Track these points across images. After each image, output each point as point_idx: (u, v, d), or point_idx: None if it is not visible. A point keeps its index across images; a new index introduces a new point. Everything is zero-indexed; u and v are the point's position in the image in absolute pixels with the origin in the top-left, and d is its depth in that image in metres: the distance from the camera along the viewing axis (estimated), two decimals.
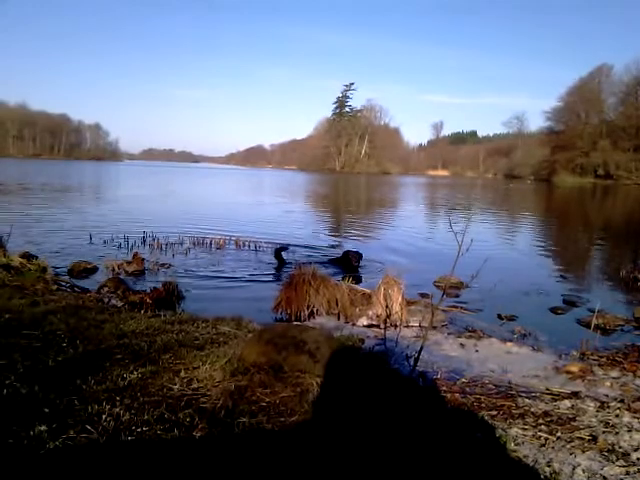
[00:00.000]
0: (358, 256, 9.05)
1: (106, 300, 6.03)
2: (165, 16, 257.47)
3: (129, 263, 8.06)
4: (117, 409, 2.75)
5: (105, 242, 10.54)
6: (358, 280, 7.82)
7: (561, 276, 9.26)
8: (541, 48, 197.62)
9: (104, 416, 2.66)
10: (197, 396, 2.99)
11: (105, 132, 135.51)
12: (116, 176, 53.64)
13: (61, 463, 2.23)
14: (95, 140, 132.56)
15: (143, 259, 8.32)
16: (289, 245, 10.23)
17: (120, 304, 5.88)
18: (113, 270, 7.86)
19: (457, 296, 7.41)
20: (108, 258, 8.44)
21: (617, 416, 3.58)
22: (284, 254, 9.41)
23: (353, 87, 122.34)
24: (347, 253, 9.17)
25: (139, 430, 2.55)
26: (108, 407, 2.76)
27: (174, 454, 2.35)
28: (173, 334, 4.22)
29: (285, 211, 20.72)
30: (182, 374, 3.28)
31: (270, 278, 7.98)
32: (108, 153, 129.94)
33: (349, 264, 8.86)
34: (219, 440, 2.49)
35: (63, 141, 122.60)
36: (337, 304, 6.16)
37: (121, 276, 7.44)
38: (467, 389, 4.00)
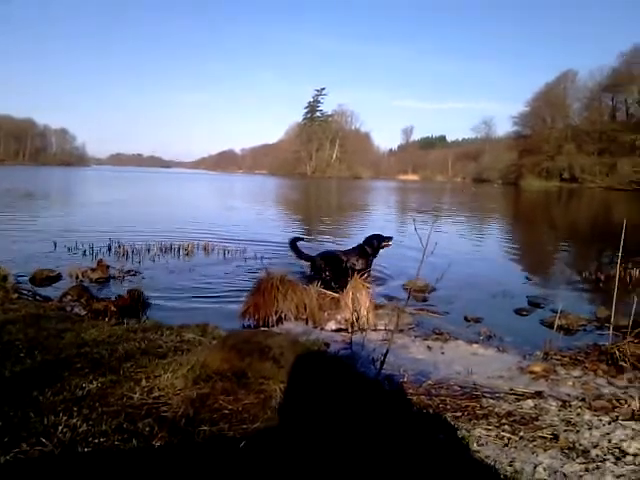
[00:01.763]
0: (377, 242, 8.62)
1: (69, 309, 5.91)
2: (129, 19, 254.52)
3: (93, 270, 7.91)
4: (74, 420, 2.68)
5: (69, 249, 10.32)
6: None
7: (526, 278, 9.40)
8: (509, 54, 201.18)
9: (60, 427, 2.59)
10: (158, 405, 2.94)
11: (72, 137, 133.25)
12: (82, 181, 52.72)
13: (11, 478, 2.16)
14: (61, 145, 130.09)
15: (108, 266, 8.17)
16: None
17: (83, 312, 5.77)
18: (77, 278, 7.70)
19: (425, 299, 7.47)
20: (72, 265, 8.25)
21: (578, 414, 3.65)
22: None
23: (324, 92, 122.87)
24: (372, 238, 8.71)
25: (96, 441, 2.49)
26: (65, 418, 2.69)
27: (131, 465, 2.30)
28: (136, 342, 4.14)
29: (255, 216, 20.64)
30: (143, 383, 3.22)
31: (239, 284, 7.90)
32: (75, 158, 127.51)
33: (371, 250, 8.54)
34: (179, 449, 2.44)
35: (28, 146, 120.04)
36: (305, 309, 6.14)
37: (85, 284, 7.28)
38: (433, 391, 4.02)
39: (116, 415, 2.78)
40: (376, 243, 8.60)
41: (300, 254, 8.79)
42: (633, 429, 3.37)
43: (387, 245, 8.73)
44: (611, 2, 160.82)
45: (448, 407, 3.70)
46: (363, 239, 8.82)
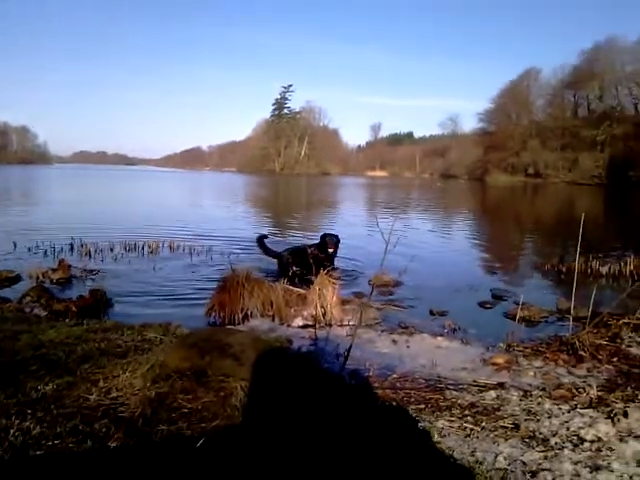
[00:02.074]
0: (335, 240, 8.35)
1: (28, 310, 5.76)
2: (95, 14, 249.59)
3: (54, 271, 7.73)
4: (27, 423, 2.61)
5: (30, 249, 10.06)
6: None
7: (491, 271, 9.55)
8: (475, 51, 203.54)
9: (12, 431, 2.52)
10: (115, 405, 2.88)
11: (33, 135, 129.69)
12: (44, 180, 51.51)
13: None
14: (22, 143, 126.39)
15: (69, 266, 7.99)
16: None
17: (43, 314, 5.63)
18: (37, 278, 7.51)
19: (391, 294, 7.51)
20: (32, 266, 8.04)
21: (539, 404, 3.71)
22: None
23: (291, 89, 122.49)
24: (324, 237, 8.42)
25: (49, 444, 2.43)
26: (17, 421, 2.62)
27: (86, 466, 2.25)
28: (95, 343, 4.05)
29: (223, 214, 20.48)
30: (101, 384, 3.15)
31: (205, 282, 7.81)
32: (37, 156, 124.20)
33: (325, 250, 8.22)
34: (135, 449, 2.40)
35: None
36: (272, 306, 6.10)
37: (46, 284, 7.12)
38: (398, 384, 4.05)
39: (71, 417, 2.72)
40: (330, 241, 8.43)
41: (267, 251, 8.76)
42: (591, 416, 3.44)
43: (332, 246, 8.38)
44: (574, 2, 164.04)
45: (412, 400, 3.72)
46: (320, 237, 8.69)
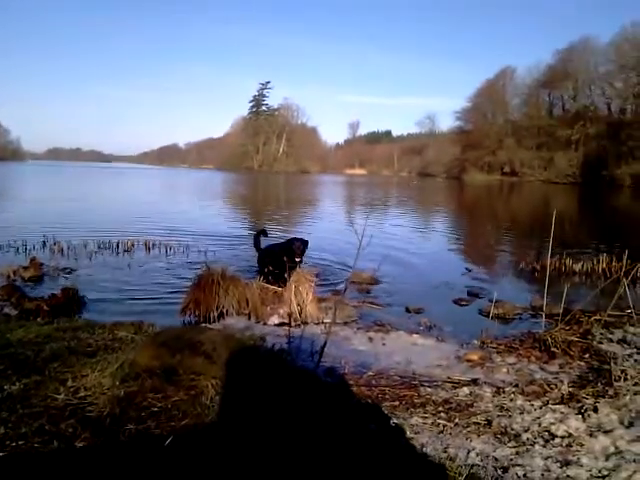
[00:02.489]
0: (303, 246, 7.69)
1: None
2: (70, 10, 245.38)
3: (25, 269, 7.58)
4: None
5: (1, 247, 9.86)
6: None
7: (467, 269, 9.61)
8: (451, 50, 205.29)
9: None
10: (83, 405, 2.83)
11: (5, 130, 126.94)
12: (17, 177, 50.57)
13: None
14: None
15: (41, 264, 7.85)
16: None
17: (14, 313, 5.51)
18: (8, 277, 7.36)
19: (368, 291, 7.51)
20: (3, 264, 7.88)
21: (511, 400, 3.75)
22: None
23: (269, 86, 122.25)
24: (292, 241, 7.79)
25: (14, 444, 2.38)
26: None
27: (50, 467, 2.20)
28: (65, 342, 3.98)
29: (200, 211, 20.32)
30: (69, 383, 3.10)
31: (180, 280, 7.72)
32: (9, 153, 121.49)
33: (291, 255, 7.53)
34: (102, 449, 2.35)
35: None
36: (248, 304, 6.06)
37: (17, 283, 6.98)
38: (373, 382, 4.06)
39: (38, 417, 2.67)
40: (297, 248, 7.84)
41: (257, 246, 8.53)
42: (562, 412, 3.49)
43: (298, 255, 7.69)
44: (551, 3, 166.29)
45: (387, 397, 3.73)
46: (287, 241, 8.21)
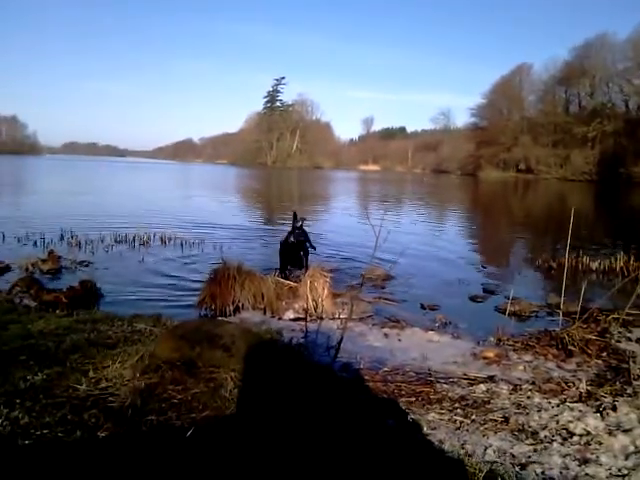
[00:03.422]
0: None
1: (17, 300, 5.71)
2: (86, 7, 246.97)
3: (44, 261, 7.67)
4: (16, 413, 2.60)
5: (19, 240, 9.98)
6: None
7: (482, 266, 9.57)
8: (466, 46, 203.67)
9: (0, 420, 2.51)
10: (105, 396, 2.86)
11: (23, 125, 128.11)
12: (34, 171, 51.05)
13: None
14: (12, 133, 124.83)
15: (59, 257, 7.94)
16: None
17: (33, 304, 5.59)
18: (27, 269, 7.45)
19: (383, 287, 7.51)
20: (22, 256, 7.98)
21: (528, 397, 3.74)
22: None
23: (284, 81, 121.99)
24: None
25: (38, 433, 2.42)
26: (6, 411, 2.61)
27: (74, 456, 2.23)
28: (85, 333, 4.03)
29: (215, 206, 20.40)
30: (90, 374, 3.13)
31: (196, 274, 7.77)
32: (26, 147, 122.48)
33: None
34: (124, 439, 2.39)
35: None
36: (263, 298, 6.09)
37: (35, 275, 7.07)
38: (389, 377, 4.06)
39: (60, 407, 2.70)
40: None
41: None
42: (580, 410, 3.47)
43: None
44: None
45: (403, 393, 3.74)
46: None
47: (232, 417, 2.70)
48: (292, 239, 7.58)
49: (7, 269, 7.51)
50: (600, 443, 3.03)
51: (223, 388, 2.99)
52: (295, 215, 7.88)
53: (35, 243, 9.80)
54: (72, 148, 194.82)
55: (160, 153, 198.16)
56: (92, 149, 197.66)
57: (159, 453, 2.29)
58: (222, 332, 3.43)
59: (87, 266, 8.01)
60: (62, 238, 10.27)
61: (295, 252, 7.55)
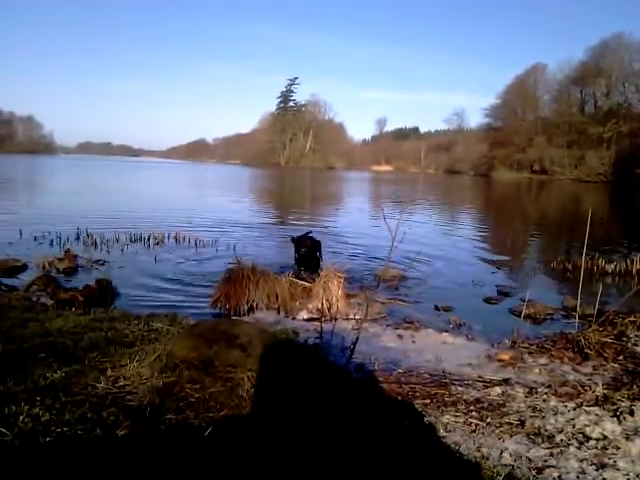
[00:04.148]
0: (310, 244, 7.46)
1: (34, 298, 5.77)
2: (102, 6, 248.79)
3: (60, 260, 7.74)
4: (36, 410, 2.63)
5: (36, 238, 10.09)
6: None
7: (496, 267, 9.52)
8: (479, 47, 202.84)
9: (22, 417, 2.54)
10: (123, 394, 2.89)
11: (39, 124, 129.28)
12: (49, 170, 51.53)
13: None
14: (28, 133, 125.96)
15: (76, 255, 8.02)
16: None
17: (50, 302, 5.64)
18: (44, 268, 7.54)
19: (397, 288, 7.49)
20: (38, 255, 8.07)
21: (544, 401, 3.71)
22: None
23: (297, 82, 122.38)
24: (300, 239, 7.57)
25: (58, 430, 2.45)
26: (27, 408, 2.64)
27: (94, 453, 2.26)
28: (102, 332, 4.07)
29: (229, 206, 20.47)
30: (108, 372, 3.17)
31: (210, 273, 7.80)
32: (42, 146, 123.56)
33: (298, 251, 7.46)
34: (143, 438, 2.41)
35: None
36: (277, 298, 6.11)
37: (52, 273, 7.14)
38: (403, 379, 4.05)
39: (80, 404, 2.74)
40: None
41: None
42: (596, 414, 3.45)
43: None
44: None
45: (417, 394, 3.73)
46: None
47: (249, 417, 2.71)
48: (303, 250, 7.57)
49: (24, 267, 7.61)
50: (617, 448, 3.01)
51: (240, 388, 3.01)
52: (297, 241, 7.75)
53: (51, 242, 9.90)
54: (86, 148, 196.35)
55: (173, 153, 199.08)
56: (106, 149, 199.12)
57: (178, 452, 2.31)
58: (239, 332, 3.45)
59: (103, 265, 8.08)
60: (78, 237, 10.37)
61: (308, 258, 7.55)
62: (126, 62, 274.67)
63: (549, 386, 4.01)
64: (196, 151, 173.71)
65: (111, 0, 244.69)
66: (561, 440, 3.12)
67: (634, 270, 8.88)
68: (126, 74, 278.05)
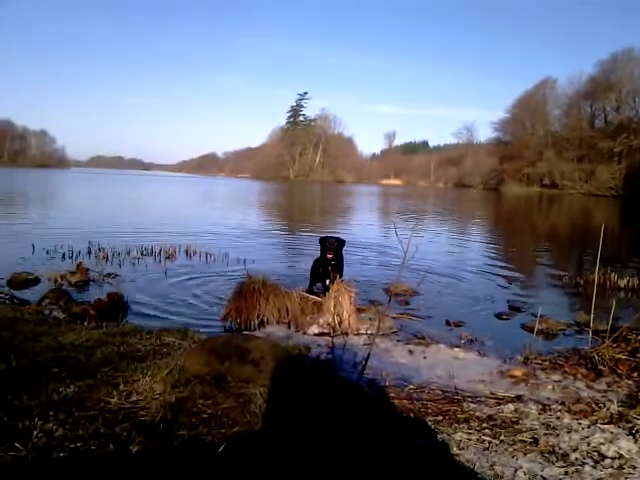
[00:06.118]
0: (337, 243, 7.17)
1: (47, 312, 5.80)
2: (113, 21, 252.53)
3: (72, 274, 7.80)
4: (50, 425, 2.63)
5: (48, 252, 10.16)
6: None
7: (508, 282, 9.47)
8: (488, 61, 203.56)
9: (35, 432, 2.54)
10: (136, 409, 2.89)
11: (51, 139, 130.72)
12: (62, 184, 52.00)
13: None
14: (41, 147, 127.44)
15: (87, 269, 8.07)
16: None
17: (62, 316, 5.67)
18: (56, 281, 7.59)
19: (407, 303, 7.47)
20: (51, 269, 8.13)
21: (558, 418, 3.67)
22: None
23: (307, 96, 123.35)
24: (325, 238, 7.27)
25: (72, 446, 2.44)
26: (40, 423, 2.64)
27: (108, 470, 2.26)
28: (114, 346, 4.08)
29: (240, 220, 20.53)
30: (121, 387, 3.17)
31: (221, 288, 7.82)
32: (54, 160, 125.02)
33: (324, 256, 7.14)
34: (156, 454, 2.41)
35: (6, 148, 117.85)
36: (288, 313, 6.12)
37: (64, 287, 7.19)
38: (415, 395, 4.02)
39: (93, 420, 2.73)
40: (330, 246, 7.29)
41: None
42: (612, 432, 3.39)
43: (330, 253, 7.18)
44: (591, 12, 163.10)
45: (429, 411, 3.70)
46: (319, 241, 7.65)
47: (262, 433, 2.70)
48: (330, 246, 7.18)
49: (36, 281, 7.66)
50: (634, 467, 2.96)
51: (253, 403, 3.00)
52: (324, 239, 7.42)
53: (63, 256, 9.96)
54: (98, 161, 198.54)
55: (184, 167, 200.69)
56: (117, 162, 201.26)
57: (192, 469, 2.30)
58: (251, 347, 3.45)
59: (114, 278, 8.12)
60: (90, 251, 10.43)
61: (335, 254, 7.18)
62: (137, 77, 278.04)
63: (562, 403, 3.96)
64: (206, 165, 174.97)
65: (121, 14, 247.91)
66: (576, 459, 3.07)
67: None
68: (138, 89, 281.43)
